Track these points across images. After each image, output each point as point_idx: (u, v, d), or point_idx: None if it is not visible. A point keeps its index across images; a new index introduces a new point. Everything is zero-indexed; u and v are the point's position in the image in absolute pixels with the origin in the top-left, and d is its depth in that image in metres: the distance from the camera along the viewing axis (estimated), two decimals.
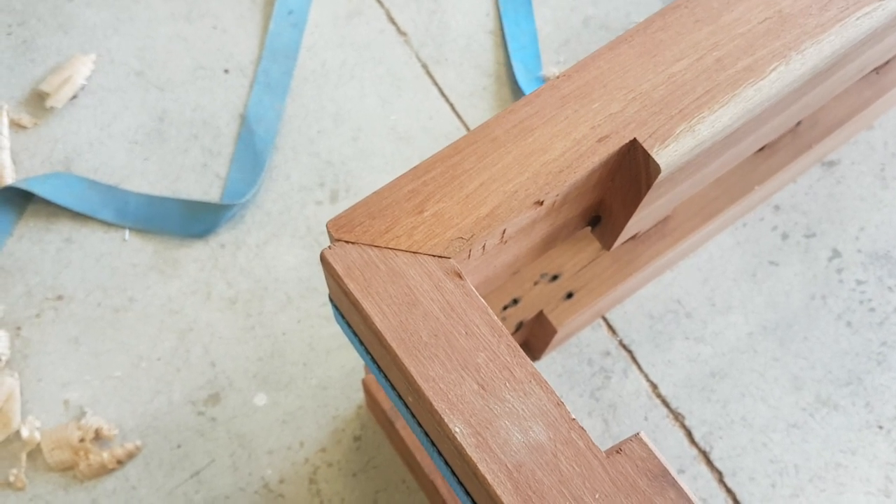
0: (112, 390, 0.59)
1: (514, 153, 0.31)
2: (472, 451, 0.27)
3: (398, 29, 0.73)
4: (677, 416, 0.60)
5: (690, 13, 0.33)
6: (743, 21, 0.33)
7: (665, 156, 0.31)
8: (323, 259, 0.30)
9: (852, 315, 0.63)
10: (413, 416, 0.33)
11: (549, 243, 0.37)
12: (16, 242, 0.63)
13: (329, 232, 0.30)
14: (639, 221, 0.38)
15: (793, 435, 0.60)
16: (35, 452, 0.58)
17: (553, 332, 0.55)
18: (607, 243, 0.38)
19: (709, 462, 0.59)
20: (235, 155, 0.67)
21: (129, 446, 0.57)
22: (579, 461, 0.27)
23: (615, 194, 0.35)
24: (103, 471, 0.57)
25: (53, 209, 0.65)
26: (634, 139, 0.31)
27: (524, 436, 0.28)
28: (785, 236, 0.66)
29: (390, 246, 0.30)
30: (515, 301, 0.55)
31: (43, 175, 0.65)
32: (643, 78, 0.32)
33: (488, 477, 0.27)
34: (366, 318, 0.29)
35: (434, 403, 0.28)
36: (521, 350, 0.29)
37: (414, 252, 0.30)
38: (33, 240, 0.64)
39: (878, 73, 0.61)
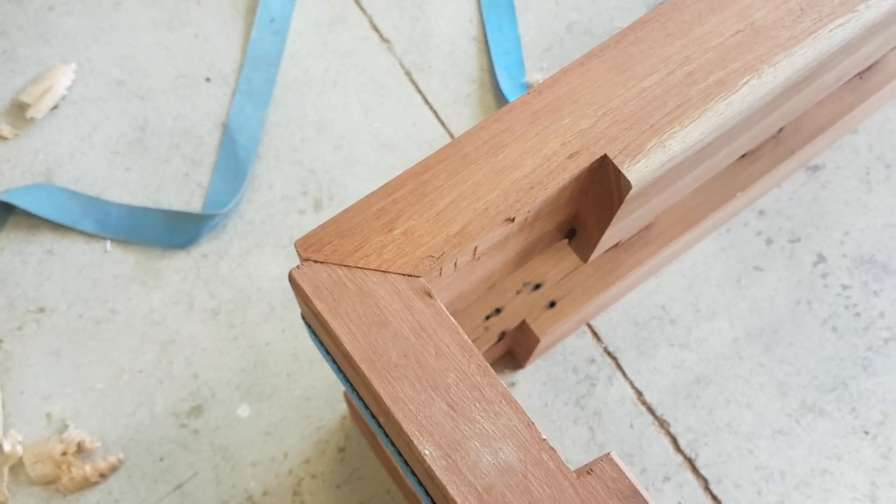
0: (94, 403, 0.59)
1: (484, 170, 0.31)
2: (441, 474, 0.27)
3: (381, 36, 0.72)
4: (662, 424, 0.60)
5: (662, 27, 0.32)
6: (715, 34, 0.32)
7: (636, 171, 0.30)
8: (291, 279, 0.30)
9: (837, 320, 0.63)
10: (386, 435, 0.32)
11: (525, 257, 0.37)
12: (6, 248, 0.63)
13: (298, 251, 0.30)
14: (615, 234, 0.37)
15: (778, 441, 0.60)
16: (17, 466, 0.57)
17: (536, 341, 0.55)
18: (584, 255, 0.38)
19: (694, 469, 0.59)
20: (217, 164, 0.67)
21: (112, 459, 0.57)
22: (550, 482, 0.27)
23: (589, 209, 0.34)
24: (86, 484, 0.57)
25: (34, 221, 0.64)
26: (605, 155, 0.31)
27: (494, 457, 0.27)
28: (769, 241, 0.65)
29: (359, 265, 0.30)
30: (498, 311, 0.54)
31: (24, 186, 0.64)
32: (613, 93, 0.31)
33: (458, 500, 0.27)
34: (335, 339, 0.29)
35: (403, 425, 0.28)
36: (491, 370, 0.29)
37: (383, 271, 0.30)
38: (14, 252, 0.63)
39: (861, 77, 0.61)
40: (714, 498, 0.58)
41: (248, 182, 0.66)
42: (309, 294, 0.29)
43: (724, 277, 0.64)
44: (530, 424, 0.28)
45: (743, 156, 0.58)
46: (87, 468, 0.57)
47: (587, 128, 0.31)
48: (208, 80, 0.70)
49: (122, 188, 0.66)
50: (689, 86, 0.31)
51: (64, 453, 0.57)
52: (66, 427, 0.58)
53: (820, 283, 0.64)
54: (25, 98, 0.67)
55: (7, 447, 0.57)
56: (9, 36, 0.70)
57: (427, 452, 0.27)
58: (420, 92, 0.70)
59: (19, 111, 0.67)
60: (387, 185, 0.31)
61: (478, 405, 0.28)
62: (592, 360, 0.62)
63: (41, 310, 0.62)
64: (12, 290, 0.62)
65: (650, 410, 0.60)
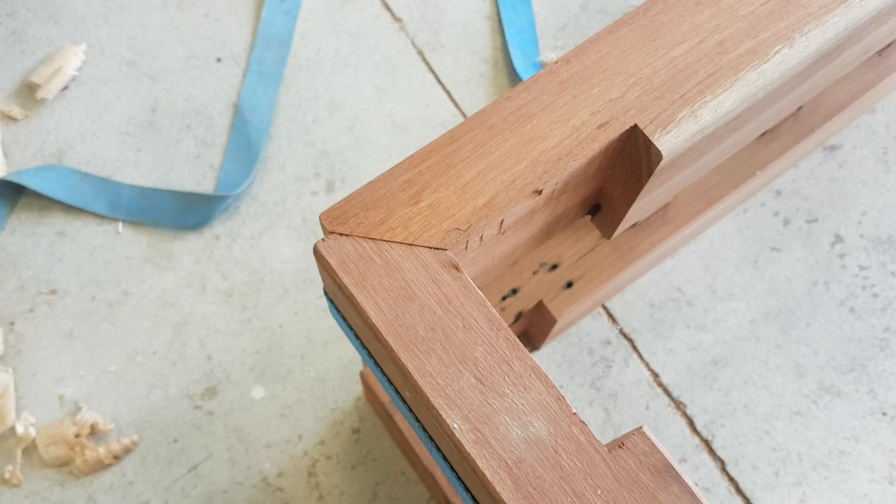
0: (107, 385, 0.59)
1: (511, 141, 0.30)
2: (470, 448, 0.27)
3: (393, 15, 0.72)
4: (679, 405, 0.60)
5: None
6: (745, 3, 0.32)
7: (667, 142, 0.30)
8: (316, 252, 0.29)
9: (855, 301, 0.63)
10: (410, 411, 0.32)
11: (549, 233, 0.36)
12: (8, 236, 0.63)
13: (322, 224, 0.30)
14: (639, 209, 0.37)
15: (796, 423, 0.59)
16: (30, 448, 0.57)
17: (553, 321, 0.54)
18: (608, 232, 0.38)
19: (711, 451, 0.58)
20: (229, 145, 0.66)
21: (126, 441, 0.57)
22: (581, 456, 0.27)
23: (615, 182, 0.34)
24: (99, 466, 0.57)
25: (45, 202, 0.64)
26: (635, 125, 0.30)
27: (524, 431, 0.27)
28: (787, 222, 0.65)
29: (385, 238, 0.29)
30: (514, 291, 0.54)
31: (34, 168, 0.64)
32: (644, 62, 0.31)
33: (487, 473, 0.26)
34: (361, 313, 0.29)
35: (431, 399, 0.27)
36: (520, 343, 0.28)
37: (409, 244, 0.29)
38: (25, 233, 0.63)
39: (880, 55, 0.60)
40: (731, 479, 0.58)
41: (259, 163, 0.66)
42: (334, 267, 0.29)
43: (741, 258, 0.64)
44: (560, 398, 0.27)
45: (762, 134, 0.58)
46: (101, 450, 0.56)
47: (617, 97, 0.30)
48: (219, 60, 0.69)
49: (133, 169, 0.65)
50: (720, 55, 0.31)
51: (77, 435, 0.56)
52: (79, 409, 0.58)
53: (837, 263, 0.64)
54: (36, 79, 0.66)
55: (20, 429, 0.57)
56: (18, 16, 0.70)
57: (456, 426, 0.27)
58: (433, 71, 0.69)
59: (29, 92, 0.67)
60: (412, 156, 0.30)
61: (507, 379, 0.28)
62: (608, 342, 0.61)
63: (53, 292, 0.61)
64: (24, 271, 0.62)
65: (666, 392, 0.60)
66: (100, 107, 0.67)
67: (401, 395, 0.32)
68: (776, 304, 0.62)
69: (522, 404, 0.27)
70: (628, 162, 0.32)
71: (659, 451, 0.27)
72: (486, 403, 0.27)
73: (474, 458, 0.26)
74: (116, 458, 0.57)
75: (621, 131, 0.30)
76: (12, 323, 0.60)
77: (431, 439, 0.32)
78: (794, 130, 0.58)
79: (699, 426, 0.59)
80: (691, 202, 0.57)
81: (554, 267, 0.54)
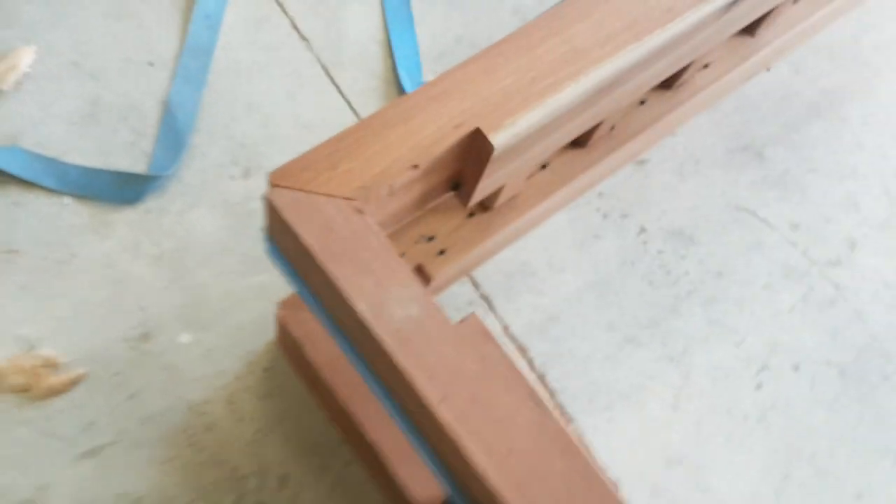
0: (58, 328, 0.71)
1: (398, 132, 0.47)
2: (369, 321, 0.43)
3: (301, 35, 0.87)
4: (522, 350, 0.77)
5: (516, 46, 0.49)
6: (550, 52, 0.49)
7: (497, 139, 0.47)
8: (267, 200, 0.45)
9: (653, 276, 0.83)
10: (330, 315, 0.47)
11: (426, 200, 0.53)
12: None
13: (270, 180, 0.45)
14: (485, 188, 0.54)
15: (606, 364, 0.78)
16: None
17: (429, 280, 0.71)
18: (465, 202, 0.55)
19: (544, 384, 0.77)
20: (159, 136, 0.79)
21: (75, 373, 0.69)
22: (438, 326, 0.43)
23: (467, 165, 0.51)
24: (53, 392, 0.68)
25: (2, 177, 0.75)
26: (478, 128, 0.47)
27: (404, 311, 0.43)
28: (605, 216, 0.84)
29: (314, 191, 0.45)
30: (402, 255, 0.70)
31: None
32: (485, 87, 0.48)
33: (380, 335, 0.42)
34: (297, 238, 0.44)
35: (344, 292, 0.43)
36: (402, 261, 0.45)
37: (330, 195, 0.45)
38: None
39: (673, 90, 0.80)
40: (558, 405, 0.76)
41: (186, 151, 0.79)
42: (280, 209, 0.44)
43: (571, 242, 0.83)
44: (427, 294, 0.44)
45: (585, 146, 0.76)
46: (54, 379, 0.68)
47: (467, 108, 0.47)
48: (151, 64, 0.82)
49: (77, 153, 0.77)
50: (532, 85, 0.48)
51: (35, 366, 0.68)
52: (35, 346, 0.69)
53: (641, 248, 0.84)
54: None
55: None
56: None
57: (361, 308, 0.43)
58: (335, 84, 0.85)
59: None
60: (333, 138, 0.46)
61: (395, 281, 0.44)
62: (471, 303, 0.79)
63: (11, 251, 0.72)
64: None
65: (513, 340, 0.78)
66: (48, 99, 0.79)
67: (322, 304, 0.47)
68: (595, 277, 0.82)
69: (403, 296, 0.44)
70: (474, 152, 0.49)
71: (483, 325, 0.44)
72: (380, 295, 0.43)
73: (372, 327, 0.42)
74: (67, 386, 0.69)
75: (469, 130, 0.47)
76: None
77: (342, 331, 0.47)
78: (607, 145, 0.77)
79: (536, 365, 0.77)
80: (533, 194, 0.74)
81: (430, 238, 0.71)
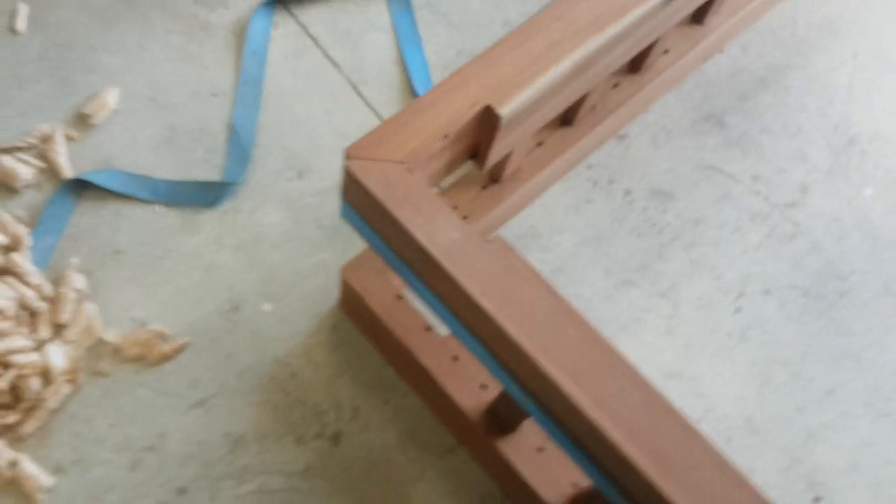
0: (163, 308, 0.88)
1: (430, 114, 0.64)
2: (426, 245, 0.60)
3: (332, 62, 1.05)
4: None
5: (509, 45, 0.67)
6: (535, 46, 0.67)
7: (504, 110, 0.64)
8: (345, 168, 0.62)
9: (640, 229, 1.00)
10: (393, 251, 0.65)
11: (453, 165, 0.70)
12: (79, 217, 0.91)
13: (346, 154, 0.62)
14: (496, 153, 0.71)
15: (606, 304, 0.95)
16: (115, 353, 0.85)
17: None
18: (481, 165, 0.72)
19: None
20: (228, 151, 0.97)
21: (180, 342, 0.86)
22: (474, 245, 0.60)
23: (482, 135, 0.68)
24: (164, 359, 0.85)
25: (103, 193, 0.92)
26: (488, 105, 0.65)
27: (449, 236, 0.60)
28: (595, 183, 1.02)
29: (377, 158, 0.62)
30: None
31: (93, 170, 0.93)
32: (489, 77, 0.66)
33: (434, 253, 0.59)
34: (368, 192, 0.61)
35: (405, 226, 0.60)
36: (444, 203, 0.62)
37: (388, 160, 0.62)
38: (91, 214, 0.91)
39: (640, 72, 0.98)
40: None
41: (250, 162, 0.97)
42: (355, 172, 0.62)
43: (568, 207, 1.00)
44: (464, 224, 0.61)
45: (572, 125, 0.94)
46: (164, 347, 0.85)
47: (478, 92, 0.65)
48: (214, 94, 1.01)
49: (163, 170, 0.95)
50: (524, 72, 0.66)
51: (147, 339, 0.85)
52: (146, 324, 0.87)
53: (628, 207, 1.01)
54: (87, 110, 0.95)
55: (110, 338, 0.85)
56: (64, 70, 0.99)
57: (418, 236, 0.60)
58: (363, 98, 1.03)
59: (82, 120, 0.96)
60: (385, 122, 0.64)
61: (440, 217, 0.61)
62: None
63: (116, 252, 0.90)
64: (93, 239, 0.90)
65: None
66: (134, 129, 0.97)
67: (388, 244, 0.65)
68: (591, 234, 0.99)
69: (447, 226, 0.61)
70: (487, 123, 0.66)
71: (507, 242, 0.61)
72: (431, 227, 0.61)
73: (427, 248, 0.59)
74: (176, 352, 0.86)
75: (482, 107, 0.64)
76: (91, 273, 0.88)
77: (406, 265, 0.64)
78: (592, 122, 0.95)
79: None
80: (532, 168, 0.92)
81: (455, 208, 0.88)
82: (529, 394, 0.62)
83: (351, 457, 0.84)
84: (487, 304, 0.59)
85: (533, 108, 0.68)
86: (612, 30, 0.69)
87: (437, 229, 0.60)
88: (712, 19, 1.00)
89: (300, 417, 0.85)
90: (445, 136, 0.63)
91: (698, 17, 0.99)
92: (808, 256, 1.01)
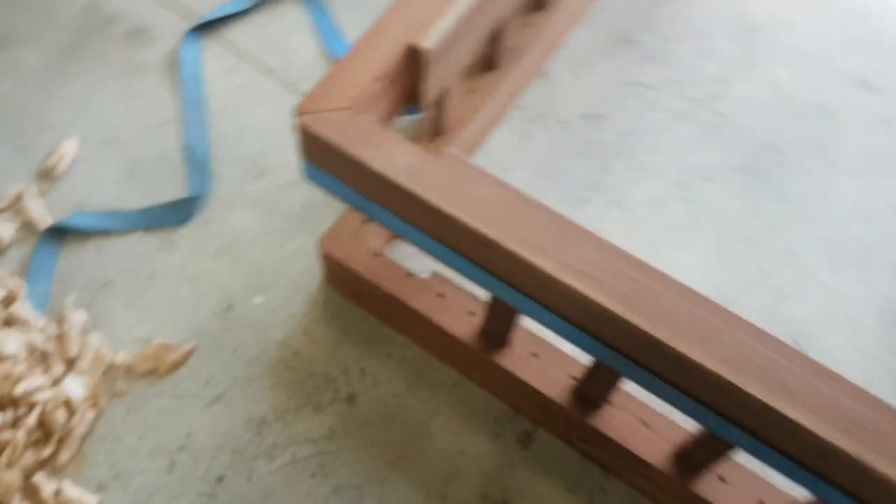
0: (162, 322, 0.93)
1: (361, 63, 0.71)
2: (387, 171, 0.66)
3: (265, 70, 1.12)
4: None
5: None
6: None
7: (426, 42, 0.71)
8: (299, 126, 0.68)
9: (582, 150, 1.07)
10: (359, 192, 0.71)
11: (397, 108, 0.77)
12: (65, 260, 0.96)
13: (297, 111, 0.69)
14: (430, 89, 0.78)
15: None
16: (127, 372, 0.90)
17: None
18: (420, 105, 0.79)
19: None
20: (188, 170, 1.03)
21: (187, 347, 0.91)
22: (430, 162, 0.67)
23: (413, 73, 0.75)
24: (175, 367, 0.90)
25: (83, 234, 0.98)
26: (409, 43, 0.71)
27: (407, 160, 0.67)
28: (531, 121, 1.09)
29: (325, 109, 0.69)
30: None
31: (68, 216, 0.98)
32: (401, 22, 0.72)
33: (395, 177, 0.65)
34: (325, 142, 0.68)
35: (366, 162, 0.66)
36: (398, 134, 0.68)
37: (336, 109, 0.69)
38: (76, 255, 0.97)
39: (546, 10, 1.06)
40: None
41: (211, 175, 1.03)
42: (308, 126, 0.68)
43: (512, 147, 1.07)
44: (419, 148, 0.68)
45: (498, 69, 1.01)
46: (172, 356, 0.90)
47: (398, 35, 0.72)
48: (164, 123, 1.06)
49: (132, 201, 1.01)
50: (438, 7, 0.73)
51: (155, 353, 0.90)
52: (150, 340, 0.92)
53: (566, 135, 1.08)
54: (50, 164, 1.01)
55: (120, 360, 0.90)
56: (21, 134, 1.04)
57: (378, 166, 0.66)
58: (301, 94, 1.10)
59: (47, 174, 1.01)
60: (324, 78, 0.70)
61: (396, 145, 0.67)
62: None
63: (105, 284, 0.95)
64: (82, 277, 0.95)
65: None
66: (97, 170, 1.02)
67: (353, 186, 0.71)
68: (539, 165, 1.06)
69: (403, 152, 0.67)
70: (413, 59, 0.73)
71: (460, 154, 0.67)
72: (389, 157, 0.67)
73: (388, 174, 0.66)
74: (184, 359, 0.91)
75: (405, 46, 0.71)
76: (88, 306, 0.93)
77: (374, 202, 0.70)
78: (513, 62, 1.02)
79: None
80: (469, 115, 0.99)
81: None
82: (509, 286, 0.68)
83: (368, 412, 0.89)
84: (447, 206, 0.65)
85: (452, 40, 0.75)
86: None
87: (394, 155, 0.67)
88: None
89: (313, 388, 0.90)
90: (379, 79, 0.70)
91: None
92: (738, 139, 1.09)
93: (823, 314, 0.97)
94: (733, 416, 0.61)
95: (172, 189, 1.02)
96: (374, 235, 0.91)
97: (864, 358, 0.94)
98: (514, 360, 0.83)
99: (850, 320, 0.97)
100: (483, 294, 0.79)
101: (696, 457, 0.76)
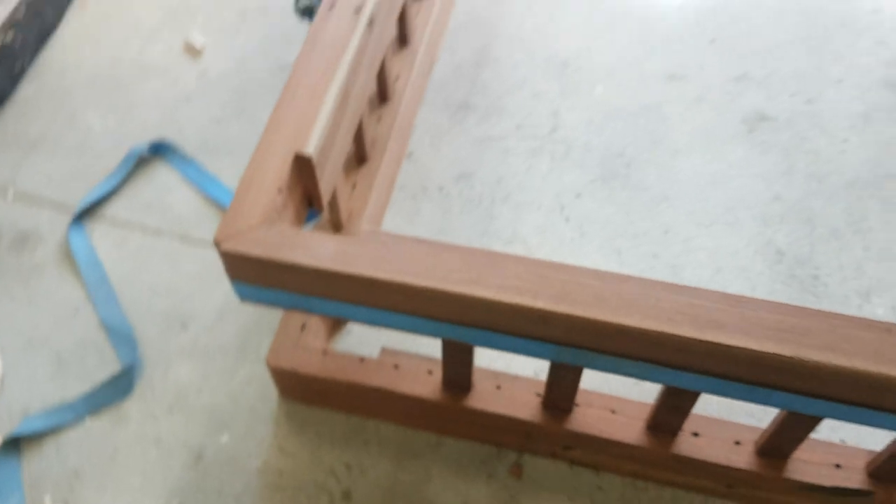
0: (140, 491, 0.94)
1: (263, 180, 0.79)
2: (316, 263, 0.73)
3: (154, 231, 1.17)
4: None
5: (286, 104, 0.83)
6: (301, 95, 0.84)
7: (308, 149, 0.80)
8: (222, 253, 0.75)
9: (465, 207, 1.18)
10: (295, 292, 0.77)
11: (301, 213, 0.84)
12: (29, 466, 0.96)
13: (215, 241, 0.75)
14: (325, 189, 0.87)
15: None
16: None
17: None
18: (319, 206, 0.87)
19: None
20: (114, 345, 1.06)
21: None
22: (349, 242, 0.75)
23: (304, 178, 0.83)
24: None
25: (36, 437, 0.98)
26: (296, 152, 0.80)
27: (328, 249, 0.74)
28: (413, 196, 1.19)
29: (239, 233, 0.76)
30: None
31: (16, 427, 0.98)
32: (285, 131, 0.81)
33: (326, 266, 0.73)
34: (248, 257, 0.74)
35: (290, 262, 0.74)
36: (317, 231, 0.76)
37: (250, 227, 0.76)
38: (37, 459, 0.96)
39: (389, 101, 1.18)
40: None
41: (136, 341, 1.06)
42: (230, 251, 0.74)
43: (407, 222, 1.16)
44: (336, 236, 0.75)
45: (370, 160, 1.11)
46: None
47: (284, 144, 0.80)
48: (76, 311, 1.09)
49: (71, 390, 1.02)
50: (304, 122, 0.82)
51: None
52: None
53: (447, 198, 1.19)
54: None
55: None
56: None
57: (305, 260, 0.73)
58: (196, 240, 1.15)
59: None
60: (231, 204, 0.77)
61: (311, 240, 0.75)
62: None
63: (76, 474, 0.95)
64: (51, 477, 0.95)
65: None
66: (27, 376, 1.03)
67: (287, 288, 0.77)
68: (433, 232, 1.16)
69: (323, 243, 0.75)
70: (302, 165, 0.82)
71: (372, 231, 0.76)
72: (309, 250, 0.74)
73: (317, 266, 0.73)
74: None
75: (293, 156, 0.80)
76: (66, 502, 0.93)
77: (309, 293, 0.77)
78: (381, 149, 1.13)
79: None
80: (359, 205, 1.08)
81: None
82: (459, 325, 0.75)
83: (367, 501, 0.93)
84: (385, 274, 0.72)
85: (329, 139, 0.84)
86: (347, 56, 0.87)
87: (318, 249, 0.74)
88: (413, 38, 1.23)
89: (307, 499, 0.94)
90: (280, 190, 0.78)
91: (402, 40, 1.21)
92: (587, 156, 1.24)
93: (716, 272, 1.10)
94: (686, 365, 0.70)
95: (106, 367, 1.04)
96: (315, 336, 0.97)
97: (764, 295, 1.07)
98: (483, 397, 0.91)
99: (740, 270, 1.10)
100: (434, 350, 0.87)
101: (665, 421, 0.86)
